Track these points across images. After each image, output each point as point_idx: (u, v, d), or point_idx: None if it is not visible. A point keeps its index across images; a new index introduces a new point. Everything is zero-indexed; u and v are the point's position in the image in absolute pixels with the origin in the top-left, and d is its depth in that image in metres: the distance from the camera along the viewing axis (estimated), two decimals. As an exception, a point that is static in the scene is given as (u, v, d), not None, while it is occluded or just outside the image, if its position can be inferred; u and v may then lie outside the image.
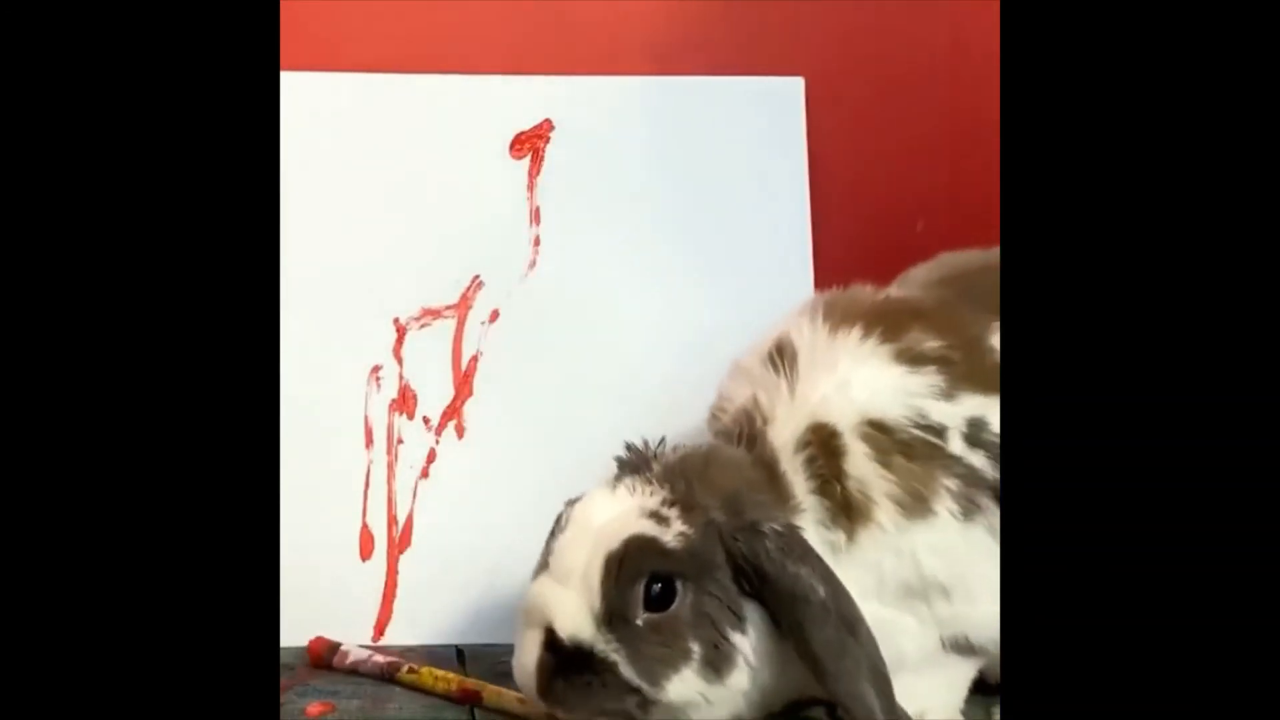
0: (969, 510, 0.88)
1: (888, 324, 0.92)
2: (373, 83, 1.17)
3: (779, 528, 0.86)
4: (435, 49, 1.20)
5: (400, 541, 1.12)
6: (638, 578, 0.85)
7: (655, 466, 0.90)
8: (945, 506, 0.88)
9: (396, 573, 1.12)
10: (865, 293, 0.99)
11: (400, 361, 1.14)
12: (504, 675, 0.94)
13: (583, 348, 1.17)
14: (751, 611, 0.87)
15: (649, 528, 0.86)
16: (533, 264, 1.17)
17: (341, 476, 1.12)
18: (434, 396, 1.14)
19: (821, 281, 1.18)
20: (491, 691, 0.97)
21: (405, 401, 1.14)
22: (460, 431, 1.14)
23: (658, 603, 0.85)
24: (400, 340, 1.14)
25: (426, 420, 1.14)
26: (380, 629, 1.11)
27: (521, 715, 0.95)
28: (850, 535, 0.89)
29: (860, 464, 0.89)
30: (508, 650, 1.00)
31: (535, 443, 1.15)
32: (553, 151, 1.18)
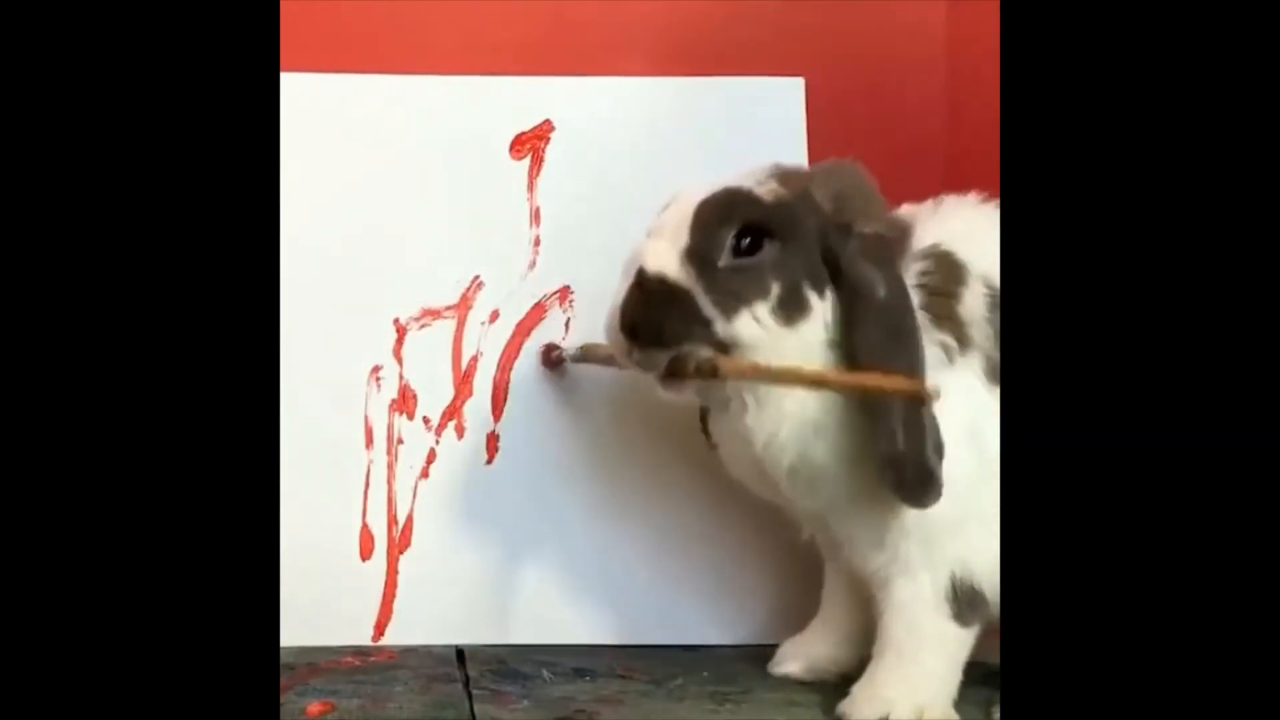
0: None
1: None
2: (372, 84, 1.17)
3: (869, 231, 0.91)
4: (434, 49, 1.21)
5: (400, 541, 1.12)
6: (727, 223, 0.90)
7: (763, 170, 0.94)
8: None
9: (396, 573, 1.12)
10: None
11: (400, 362, 1.14)
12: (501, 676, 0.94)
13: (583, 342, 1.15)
14: (829, 293, 0.90)
15: (748, 181, 0.92)
16: (533, 264, 1.17)
17: (342, 476, 1.12)
18: (434, 397, 1.15)
19: None
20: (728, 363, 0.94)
21: (405, 401, 1.14)
22: (460, 431, 1.14)
23: (745, 251, 0.90)
24: (400, 340, 1.14)
25: (426, 420, 1.14)
26: (380, 629, 1.11)
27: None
28: (962, 347, 0.92)
29: (975, 303, 0.92)
30: (509, 650, 1.01)
31: (536, 443, 1.15)
32: (553, 152, 1.18)
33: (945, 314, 0.92)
